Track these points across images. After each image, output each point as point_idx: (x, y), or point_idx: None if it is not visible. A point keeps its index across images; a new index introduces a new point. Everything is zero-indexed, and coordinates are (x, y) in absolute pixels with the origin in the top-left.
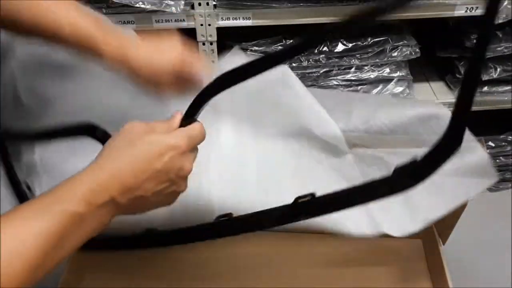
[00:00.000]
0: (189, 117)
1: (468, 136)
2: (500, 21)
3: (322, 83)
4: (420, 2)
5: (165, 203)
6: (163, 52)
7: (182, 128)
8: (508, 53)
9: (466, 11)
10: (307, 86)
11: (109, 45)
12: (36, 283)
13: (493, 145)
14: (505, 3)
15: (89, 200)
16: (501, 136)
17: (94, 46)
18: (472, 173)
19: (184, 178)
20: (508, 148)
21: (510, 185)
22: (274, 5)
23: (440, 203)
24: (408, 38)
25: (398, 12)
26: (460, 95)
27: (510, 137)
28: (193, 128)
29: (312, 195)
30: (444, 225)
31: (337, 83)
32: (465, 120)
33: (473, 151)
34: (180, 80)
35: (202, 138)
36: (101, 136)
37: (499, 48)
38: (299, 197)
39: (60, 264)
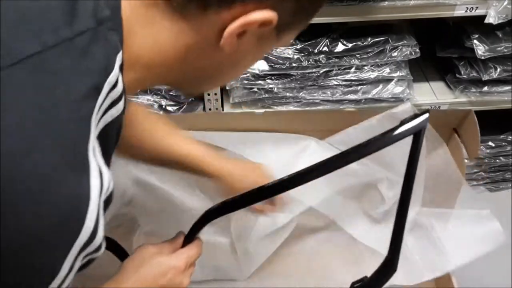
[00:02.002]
0: (190, 237)
1: (481, 205)
2: (500, 21)
3: (322, 83)
4: (420, 2)
5: None
6: (248, 175)
7: (182, 250)
8: (508, 53)
9: (466, 11)
10: (307, 86)
11: (213, 167)
12: None
13: (493, 145)
14: (505, 3)
15: None
16: (501, 136)
17: (203, 169)
18: (484, 238)
19: None
20: (508, 148)
21: (510, 185)
22: None
23: (453, 257)
24: (408, 38)
25: (398, 12)
26: (393, 233)
27: (510, 137)
28: (191, 248)
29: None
30: None
31: (337, 83)
32: (398, 250)
33: (486, 221)
34: None
35: (199, 254)
36: (121, 252)
37: (499, 48)
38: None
39: None
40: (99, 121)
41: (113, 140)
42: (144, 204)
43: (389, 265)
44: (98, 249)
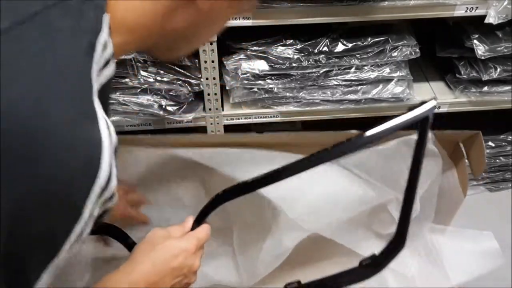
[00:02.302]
0: (199, 221)
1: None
2: (500, 21)
3: (322, 83)
4: (420, 2)
5: None
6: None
7: (192, 232)
8: (508, 53)
9: (466, 11)
10: (307, 86)
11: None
12: None
13: (493, 145)
14: (505, 3)
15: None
16: (501, 136)
17: None
18: (484, 258)
19: (194, 272)
20: (508, 148)
21: (510, 185)
22: (274, 5)
23: (452, 275)
24: (408, 38)
25: (398, 12)
26: (402, 209)
27: (510, 137)
28: (201, 231)
29: (298, 282)
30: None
31: (337, 83)
32: (407, 227)
33: (486, 241)
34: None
35: (208, 237)
36: (131, 243)
37: (499, 48)
38: (287, 284)
39: None
40: (96, 79)
41: (106, 105)
42: None
43: (397, 241)
44: (112, 197)
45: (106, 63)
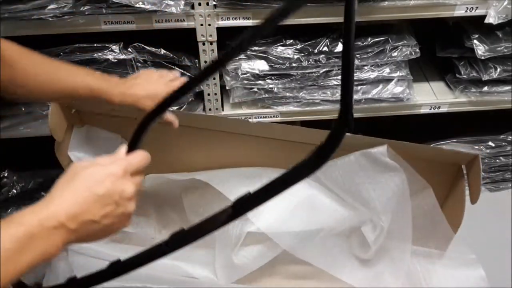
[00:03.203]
0: (132, 148)
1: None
2: (500, 21)
3: (322, 83)
4: (420, 2)
5: (118, 225)
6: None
7: (122, 157)
8: (508, 53)
9: (466, 11)
10: (307, 86)
11: (114, 93)
12: None
13: (493, 145)
14: (505, 3)
15: (40, 224)
16: (501, 136)
17: (104, 96)
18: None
19: (128, 199)
20: (508, 148)
21: (510, 185)
22: (274, 5)
23: None
24: (408, 38)
25: (398, 12)
26: (342, 84)
27: (510, 137)
28: (132, 156)
29: (249, 192)
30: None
31: (337, 83)
32: (349, 107)
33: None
34: None
35: (143, 162)
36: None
37: (499, 48)
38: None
39: (16, 279)
40: None
41: None
42: None
43: (341, 123)
44: None
45: None
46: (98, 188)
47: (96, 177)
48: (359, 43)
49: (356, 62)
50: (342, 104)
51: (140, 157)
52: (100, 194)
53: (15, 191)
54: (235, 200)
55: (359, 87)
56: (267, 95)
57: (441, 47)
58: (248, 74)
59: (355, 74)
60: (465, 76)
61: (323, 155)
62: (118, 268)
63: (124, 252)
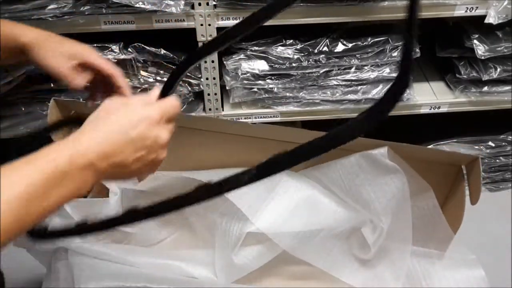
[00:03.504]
0: (165, 93)
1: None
2: (500, 21)
3: (322, 83)
4: (420, 2)
5: (147, 170)
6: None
7: (157, 101)
8: (508, 53)
9: (466, 11)
10: (307, 86)
11: (27, 37)
12: (22, 234)
13: (493, 145)
14: (505, 3)
15: (70, 161)
16: (501, 136)
17: (18, 41)
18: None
19: (162, 146)
20: (508, 148)
21: (510, 185)
22: None
23: None
24: None
25: (398, 12)
26: (403, 48)
27: (510, 137)
28: (167, 101)
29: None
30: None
31: (337, 83)
32: (408, 68)
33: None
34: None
35: (176, 110)
36: None
37: (499, 48)
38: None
39: (45, 218)
40: None
41: None
42: None
43: (400, 82)
44: None
45: None
46: (133, 130)
47: (131, 118)
48: (359, 43)
49: (356, 62)
50: (402, 66)
51: (174, 104)
52: (134, 137)
53: None
54: (259, 163)
55: (359, 87)
56: (267, 95)
57: (441, 47)
58: (248, 74)
59: (355, 74)
60: (465, 76)
61: (379, 112)
62: (134, 215)
63: (124, 252)
